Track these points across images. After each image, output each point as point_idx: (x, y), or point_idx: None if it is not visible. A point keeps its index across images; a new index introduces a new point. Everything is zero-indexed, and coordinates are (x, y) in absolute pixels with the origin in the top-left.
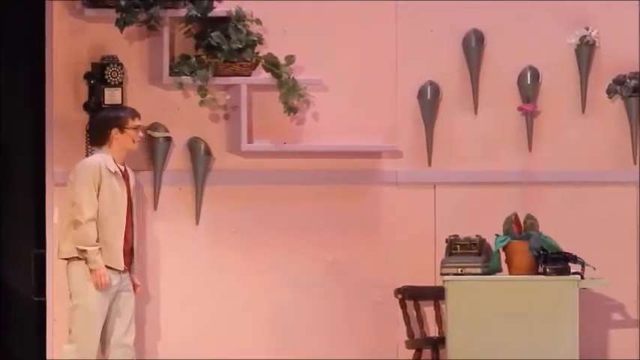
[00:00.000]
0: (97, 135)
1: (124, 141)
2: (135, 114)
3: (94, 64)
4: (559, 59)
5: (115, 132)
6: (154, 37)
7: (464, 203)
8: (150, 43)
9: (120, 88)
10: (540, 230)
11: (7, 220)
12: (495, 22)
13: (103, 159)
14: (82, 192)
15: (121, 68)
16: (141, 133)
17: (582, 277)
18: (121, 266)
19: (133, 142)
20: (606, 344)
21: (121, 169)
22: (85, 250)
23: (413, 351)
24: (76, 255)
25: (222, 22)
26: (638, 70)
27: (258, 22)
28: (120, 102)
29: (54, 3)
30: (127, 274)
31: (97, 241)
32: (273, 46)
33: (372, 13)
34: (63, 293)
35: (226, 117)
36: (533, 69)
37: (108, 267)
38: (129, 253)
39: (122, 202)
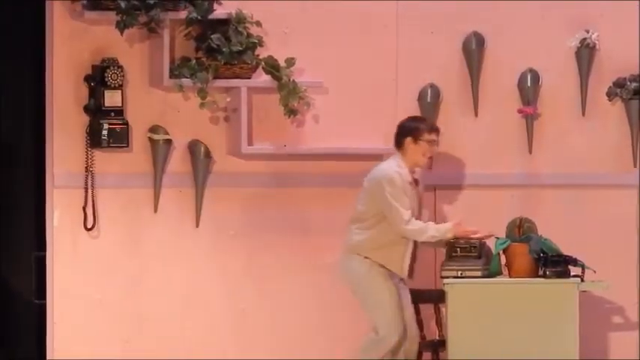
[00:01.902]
0: (395, 139)
1: (415, 152)
2: (434, 129)
3: (94, 67)
4: (559, 62)
5: (408, 141)
6: (154, 39)
7: (464, 206)
8: (150, 46)
9: (120, 91)
10: (540, 233)
11: (7, 222)
12: (496, 25)
13: (399, 167)
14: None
15: (121, 70)
16: (435, 149)
17: (582, 280)
18: (400, 273)
19: (423, 155)
20: (606, 347)
21: (413, 178)
22: (432, 237)
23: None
24: None
25: (223, 24)
26: (638, 73)
27: (259, 24)
28: (120, 104)
29: (54, 5)
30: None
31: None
32: (274, 48)
33: (373, 15)
34: (63, 295)
35: (226, 119)
36: (533, 71)
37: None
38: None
39: (415, 212)
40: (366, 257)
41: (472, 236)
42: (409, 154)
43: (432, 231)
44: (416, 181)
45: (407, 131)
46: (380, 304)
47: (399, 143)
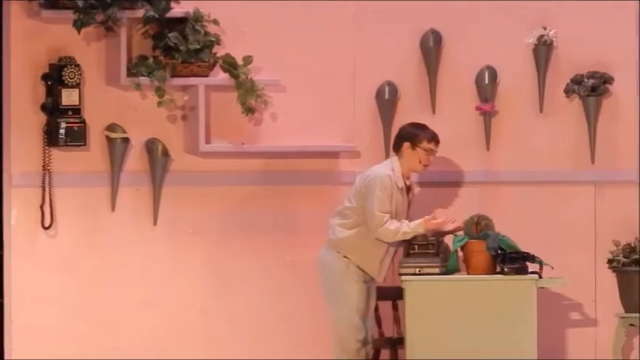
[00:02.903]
0: (394, 142)
1: (411, 157)
2: (434, 138)
3: (51, 65)
4: (517, 59)
5: (406, 146)
6: (112, 38)
7: (422, 203)
8: (107, 44)
9: (77, 89)
10: (498, 230)
11: None
12: (453, 22)
13: (392, 171)
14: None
15: (79, 69)
16: (431, 159)
17: (540, 277)
18: (376, 276)
19: (420, 162)
20: (564, 343)
21: (406, 184)
22: (405, 233)
23: (372, 351)
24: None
25: (180, 22)
26: (595, 70)
27: (216, 22)
28: (77, 103)
29: (11, 4)
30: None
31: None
32: (231, 46)
33: (330, 13)
34: (21, 294)
35: (184, 118)
36: (491, 69)
37: (362, 270)
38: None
39: (400, 218)
40: (345, 256)
41: (445, 229)
42: (405, 159)
43: (405, 227)
44: (408, 188)
45: (406, 136)
46: (347, 308)
47: (397, 146)
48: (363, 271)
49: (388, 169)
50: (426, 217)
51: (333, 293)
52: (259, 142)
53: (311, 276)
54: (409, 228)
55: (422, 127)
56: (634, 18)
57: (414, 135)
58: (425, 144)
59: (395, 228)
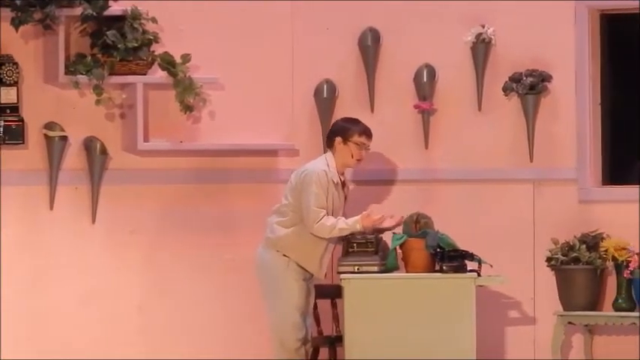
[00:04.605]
0: (327, 138)
1: (344, 152)
2: (365, 132)
3: None
4: (455, 57)
5: (338, 140)
6: (50, 36)
7: (361, 201)
8: (45, 42)
9: (15, 87)
10: (437, 228)
11: None
12: (391, 21)
13: (327, 166)
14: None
15: (17, 67)
16: (364, 153)
17: (479, 275)
18: (317, 273)
19: (352, 157)
20: (503, 342)
21: (341, 179)
22: (342, 229)
23: (311, 349)
24: None
25: (118, 20)
26: (534, 68)
27: (154, 20)
28: (15, 101)
29: None
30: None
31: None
32: (169, 44)
33: (268, 11)
34: None
35: (122, 116)
36: (429, 67)
37: (302, 267)
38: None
39: (337, 214)
40: (284, 255)
41: (383, 225)
42: (338, 154)
43: (341, 224)
44: (344, 183)
45: (337, 130)
46: (288, 306)
47: (330, 142)
48: (304, 268)
49: (324, 165)
50: (364, 213)
51: (272, 293)
52: (198, 140)
53: (250, 274)
54: (346, 224)
55: (353, 122)
56: (571, 16)
57: (345, 129)
58: (356, 138)
59: (331, 224)
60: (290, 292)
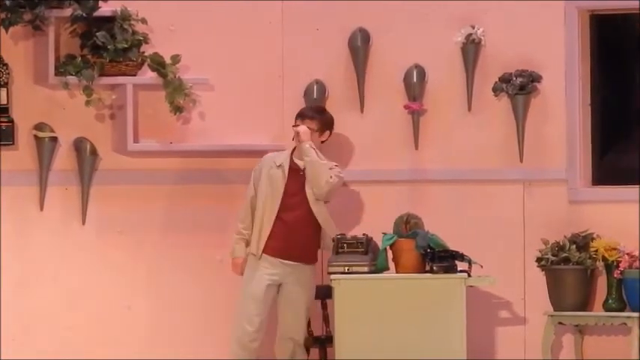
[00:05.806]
0: None
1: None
2: (299, 114)
3: None
4: (445, 58)
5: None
6: (40, 37)
7: (351, 202)
8: (35, 43)
9: (5, 88)
10: (427, 229)
11: None
12: (381, 21)
13: (282, 150)
14: None
15: (7, 68)
16: (295, 133)
17: (469, 275)
18: (255, 251)
19: (293, 139)
20: (494, 342)
21: (296, 164)
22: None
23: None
24: None
25: (108, 21)
26: (524, 69)
27: (144, 21)
28: (5, 102)
29: None
30: (297, 268)
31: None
32: (159, 45)
33: (258, 12)
34: None
35: (112, 117)
36: (419, 67)
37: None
38: (299, 246)
39: (278, 193)
40: (252, 254)
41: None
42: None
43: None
44: (297, 169)
45: None
46: (248, 297)
47: None
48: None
49: (282, 150)
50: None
51: (243, 289)
52: (187, 141)
53: (240, 275)
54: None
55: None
56: (561, 17)
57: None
58: (295, 121)
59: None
60: (255, 288)
